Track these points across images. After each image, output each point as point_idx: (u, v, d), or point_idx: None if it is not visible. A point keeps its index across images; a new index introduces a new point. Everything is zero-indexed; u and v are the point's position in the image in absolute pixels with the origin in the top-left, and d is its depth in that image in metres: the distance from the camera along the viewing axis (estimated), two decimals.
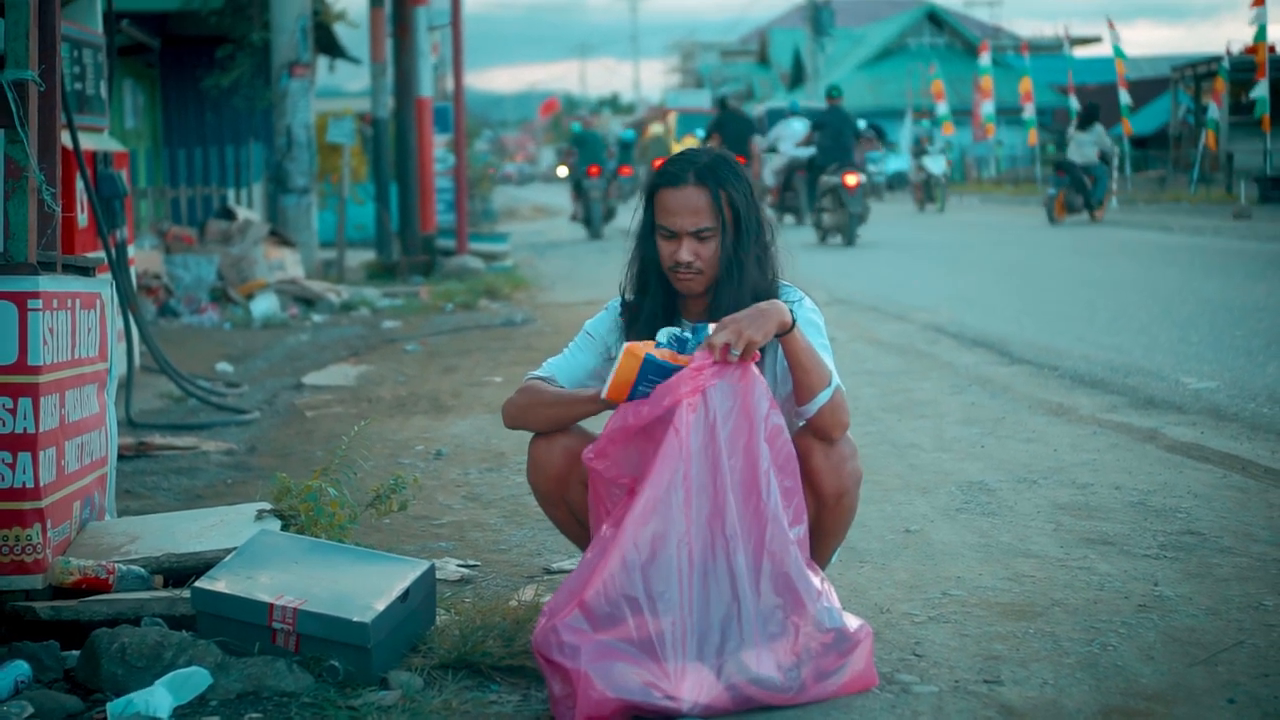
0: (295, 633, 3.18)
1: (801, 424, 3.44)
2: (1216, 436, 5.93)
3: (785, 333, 3.25)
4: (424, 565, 3.40)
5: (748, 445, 3.12)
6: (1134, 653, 3.38)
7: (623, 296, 3.61)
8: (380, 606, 3.17)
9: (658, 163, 3.62)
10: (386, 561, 3.44)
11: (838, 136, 19.56)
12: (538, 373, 3.56)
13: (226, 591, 3.25)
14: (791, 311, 3.26)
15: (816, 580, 3.13)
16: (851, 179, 18.45)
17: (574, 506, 3.56)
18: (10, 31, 3.68)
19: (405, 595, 3.26)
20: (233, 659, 3.13)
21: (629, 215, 3.68)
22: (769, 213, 3.53)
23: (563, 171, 26.42)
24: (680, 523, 3.03)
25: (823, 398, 3.32)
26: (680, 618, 2.99)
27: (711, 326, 3.20)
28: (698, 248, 3.41)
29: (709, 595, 3.03)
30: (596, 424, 3.40)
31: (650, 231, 3.47)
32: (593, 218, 22.34)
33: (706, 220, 3.40)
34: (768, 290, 3.44)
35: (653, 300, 3.48)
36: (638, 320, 3.52)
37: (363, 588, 3.26)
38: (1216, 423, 6.24)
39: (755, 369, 3.18)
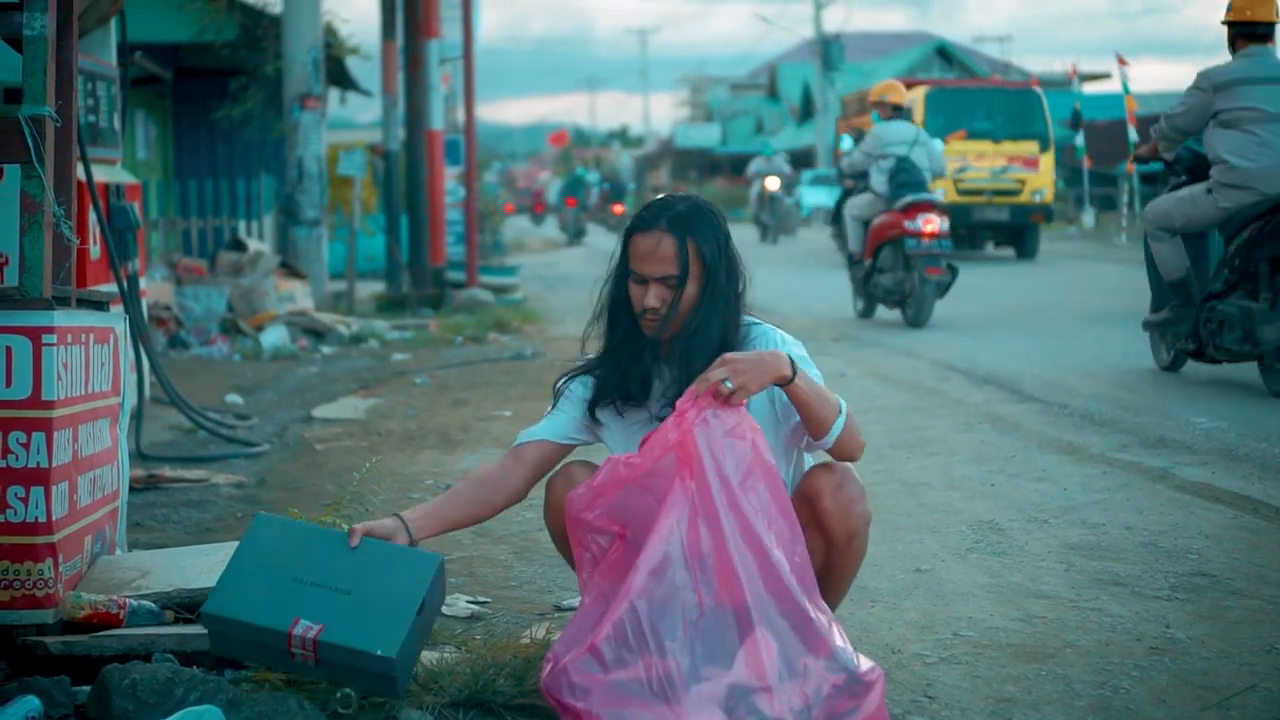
0: (316, 658, 3.13)
1: (810, 461, 3.47)
2: (1228, 477, 5.92)
3: (785, 384, 3.25)
4: (435, 562, 3.29)
5: (744, 490, 3.10)
6: (1146, 696, 3.37)
7: (585, 342, 3.62)
8: (402, 633, 3.12)
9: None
10: (394, 556, 3.30)
11: (619, 193, 39.65)
12: (525, 439, 3.57)
13: (240, 619, 3.19)
14: (791, 360, 3.26)
15: (827, 621, 3.13)
16: (618, 208, 38.15)
17: None
18: (28, 67, 3.69)
19: (421, 608, 3.21)
20: (244, 696, 3.12)
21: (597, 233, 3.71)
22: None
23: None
24: (688, 566, 3.03)
25: (837, 427, 3.33)
26: (691, 660, 2.98)
27: None
28: (664, 294, 3.41)
29: (718, 637, 3.03)
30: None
31: (623, 274, 3.48)
32: (569, 230, 36.56)
33: (672, 268, 3.39)
34: (734, 336, 3.43)
35: (624, 336, 3.48)
36: (609, 359, 3.53)
37: (378, 598, 3.17)
38: (1228, 463, 6.22)
39: (747, 414, 3.18)
